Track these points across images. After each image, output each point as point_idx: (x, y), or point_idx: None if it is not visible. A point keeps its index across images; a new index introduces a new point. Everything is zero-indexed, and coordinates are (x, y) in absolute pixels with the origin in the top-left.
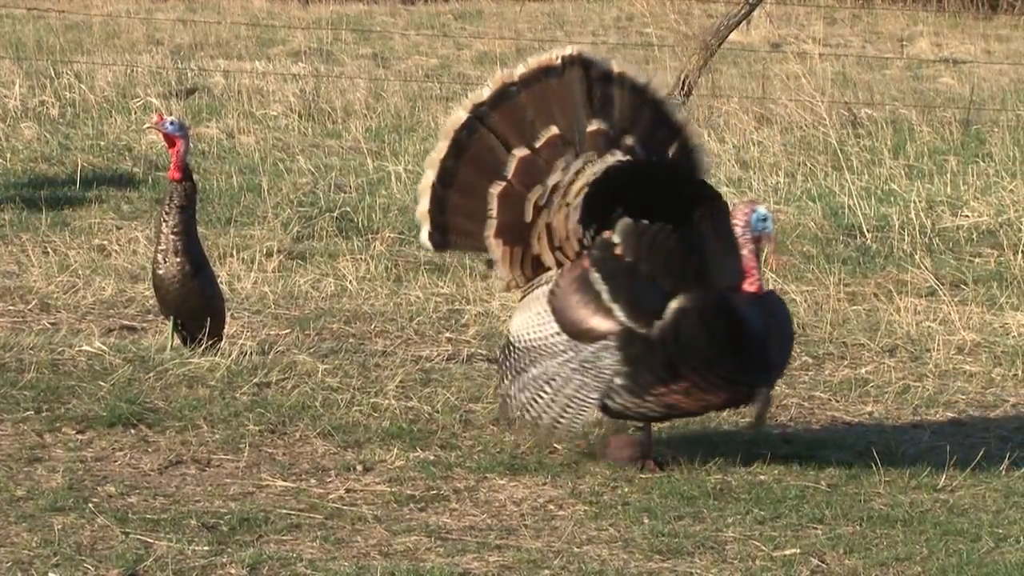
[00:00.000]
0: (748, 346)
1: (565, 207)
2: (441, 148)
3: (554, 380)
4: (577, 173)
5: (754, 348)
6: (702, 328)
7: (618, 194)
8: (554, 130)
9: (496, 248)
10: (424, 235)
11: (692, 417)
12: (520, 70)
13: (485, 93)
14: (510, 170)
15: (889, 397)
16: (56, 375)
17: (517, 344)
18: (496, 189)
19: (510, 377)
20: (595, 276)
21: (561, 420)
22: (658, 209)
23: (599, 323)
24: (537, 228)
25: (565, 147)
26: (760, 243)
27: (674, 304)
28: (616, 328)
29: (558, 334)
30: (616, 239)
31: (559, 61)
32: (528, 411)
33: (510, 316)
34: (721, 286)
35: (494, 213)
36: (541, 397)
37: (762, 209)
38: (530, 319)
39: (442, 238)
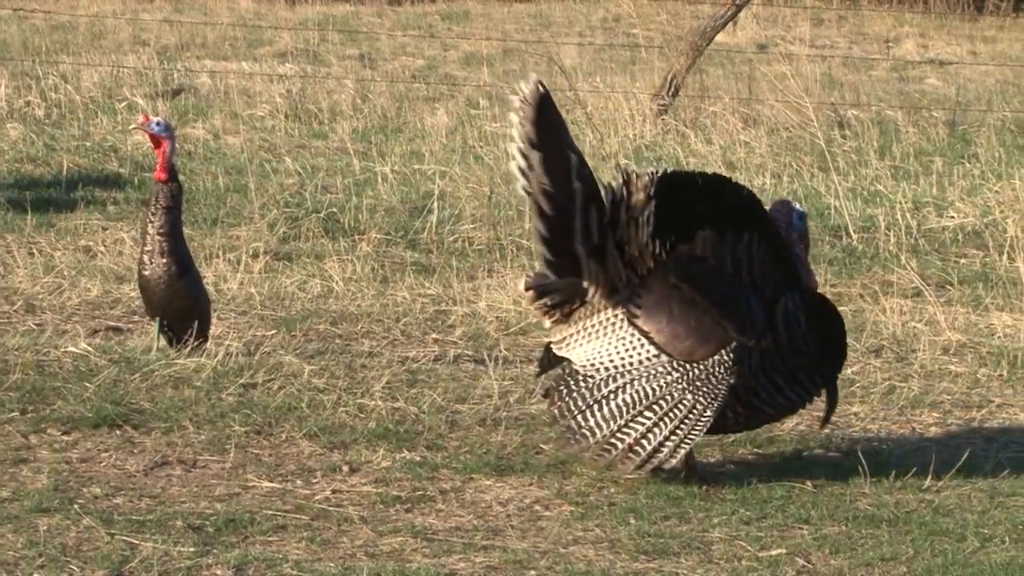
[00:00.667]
0: (844, 340)
1: (633, 222)
2: None
3: (659, 403)
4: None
5: (845, 341)
6: (811, 329)
7: (681, 205)
8: None
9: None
10: None
11: (774, 423)
12: None
13: None
14: None
15: (875, 397)
16: (41, 376)
17: (594, 373)
18: None
19: (581, 407)
20: (693, 293)
21: (668, 442)
22: (717, 216)
23: (711, 339)
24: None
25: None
26: (803, 241)
27: (780, 309)
28: (731, 342)
29: (656, 356)
30: (707, 252)
31: None
32: (620, 439)
33: (561, 348)
34: (806, 287)
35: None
36: (640, 422)
37: (799, 207)
38: (610, 345)
39: None
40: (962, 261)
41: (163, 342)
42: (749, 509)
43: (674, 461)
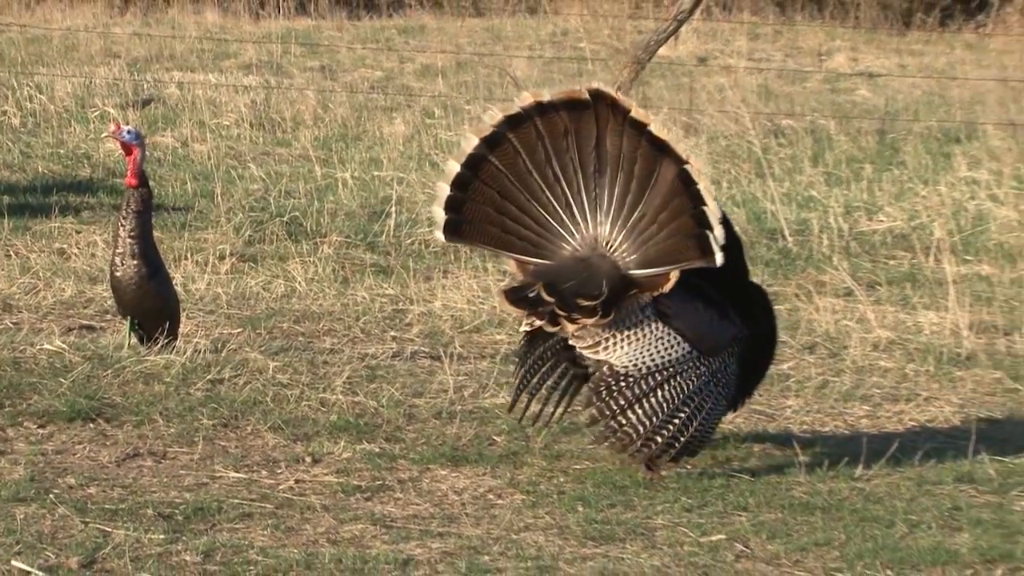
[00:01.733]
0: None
1: None
2: None
3: (693, 397)
4: None
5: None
6: (776, 320)
7: None
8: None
9: None
10: None
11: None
12: None
13: None
14: None
15: (809, 391)
16: (18, 372)
17: (634, 372)
18: None
19: (623, 405)
20: (710, 289)
21: (699, 432)
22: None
23: (726, 333)
24: None
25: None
26: None
27: (761, 303)
28: (738, 334)
29: (690, 352)
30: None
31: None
32: (662, 433)
33: (598, 352)
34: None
35: None
36: (679, 416)
37: None
38: (650, 345)
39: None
40: (891, 262)
41: (134, 340)
42: (691, 497)
43: (700, 451)
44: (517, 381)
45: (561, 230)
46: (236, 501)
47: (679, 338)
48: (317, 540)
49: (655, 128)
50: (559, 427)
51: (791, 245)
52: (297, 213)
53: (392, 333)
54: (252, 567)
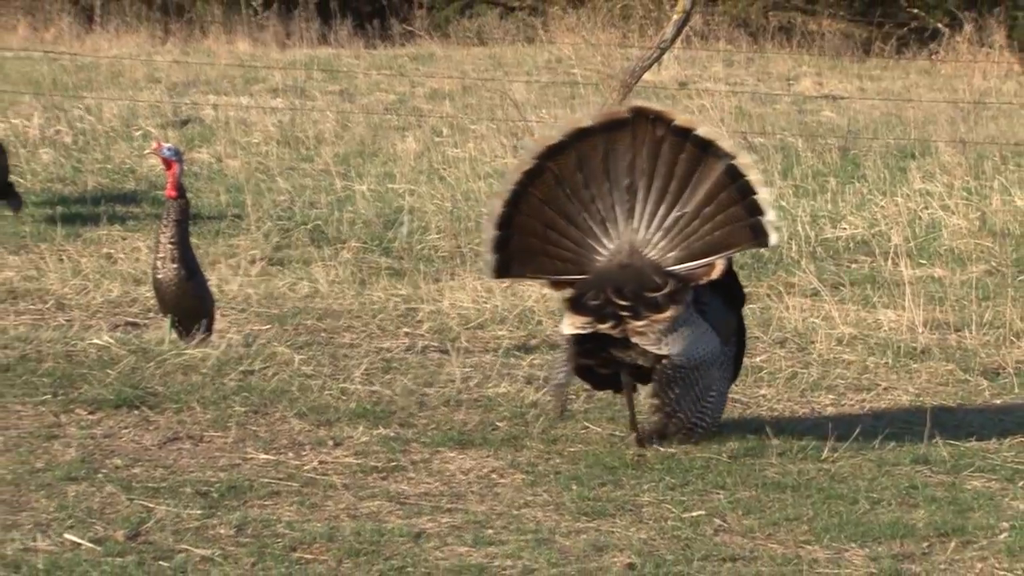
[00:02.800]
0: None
1: None
2: None
3: (717, 383)
4: None
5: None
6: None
7: None
8: None
9: None
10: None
11: None
12: None
13: None
14: None
15: (780, 382)
16: (70, 364)
17: (688, 364)
18: None
19: (679, 394)
20: (730, 280)
21: (717, 417)
22: None
23: (732, 321)
24: None
25: None
26: None
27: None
28: (739, 323)
29: (721, 343)
30: None
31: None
32: (703, 419)
33: (660, 348)
34: None
35: None
36: (710, 402)
37: None
38: (699, 338)
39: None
40: (853, 266)
41: (174, 335)
42: (674, 477)
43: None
44: (562, 380)
45: (596, 245)
46: (266, 480)
47: (712, 330)
48: (338, 515)
49: (702, 131)
50: (556, 414)
51: (763, 250)
52: (319, 221)
53: (405, 329)
54: (280, 539)
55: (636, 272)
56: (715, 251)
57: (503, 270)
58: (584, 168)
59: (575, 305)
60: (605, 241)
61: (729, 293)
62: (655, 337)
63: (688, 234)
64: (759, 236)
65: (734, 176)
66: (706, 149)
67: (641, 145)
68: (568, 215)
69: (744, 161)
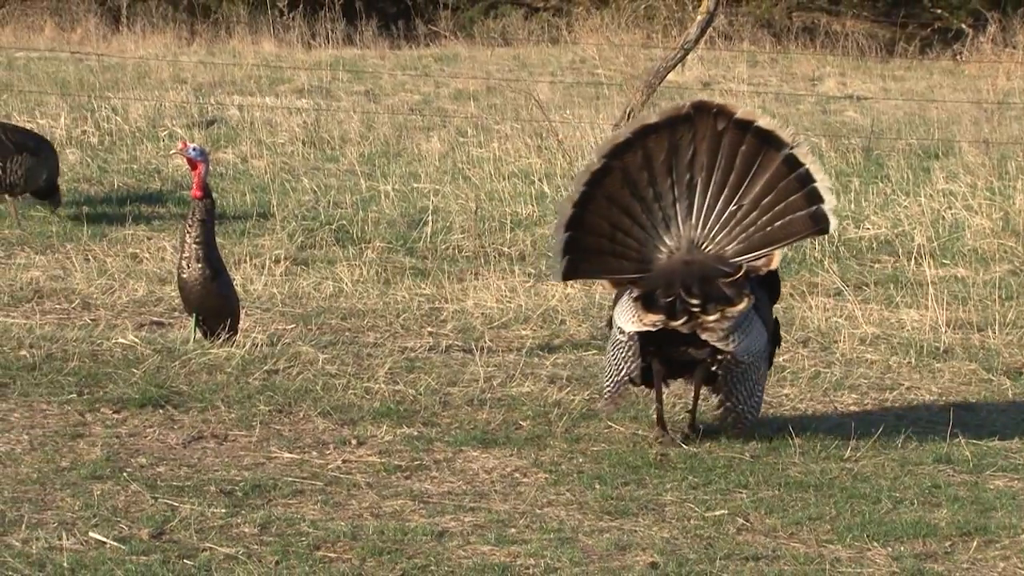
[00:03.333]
0: None
1: None
2: None
3: (763, 377)
4: None
5: None
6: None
7: None
8: None
9: None
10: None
11: None
12: None
13: None
14: None
15: (803, 381)
16: (96, 363)
17: (748, 359)
18: None
19: (739, 388)
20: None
21: (759, 410)
22: None
23: (772, 316)
24: None
25: None
26: None
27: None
28: (775, 322)
29: (767, 338)
30: None
31: None
32: (755, 412)
33: (729, 344)
34: None
35: None
36: (759, 395)
37: None
38: (757, 334)
39: None
40: (876, 266)
41: (199, 335)
42: (696, 476)
43: None
44: (623, 377)
45: (658, 242)
46: (290, 479)
47: (763, 324)
48: (362, 514)
49: (763, 122)
50: (579, 413)
51: (787, 250)
52: (344, 221)
53: (429, 329)
54: (304, 538)
55: (700, 267)
56: (775, 242)
57: (572, 272)
58: (649, 166)
59: (647, 303)
60: (666, 238)
61: (771, 287)
62: (723, 332)
63: (747, 226)
64: (819, 223)
65: (793, 165)
66: (766, 140)
67: (702, 140)
68: (633, 213)
69: (803, 150)
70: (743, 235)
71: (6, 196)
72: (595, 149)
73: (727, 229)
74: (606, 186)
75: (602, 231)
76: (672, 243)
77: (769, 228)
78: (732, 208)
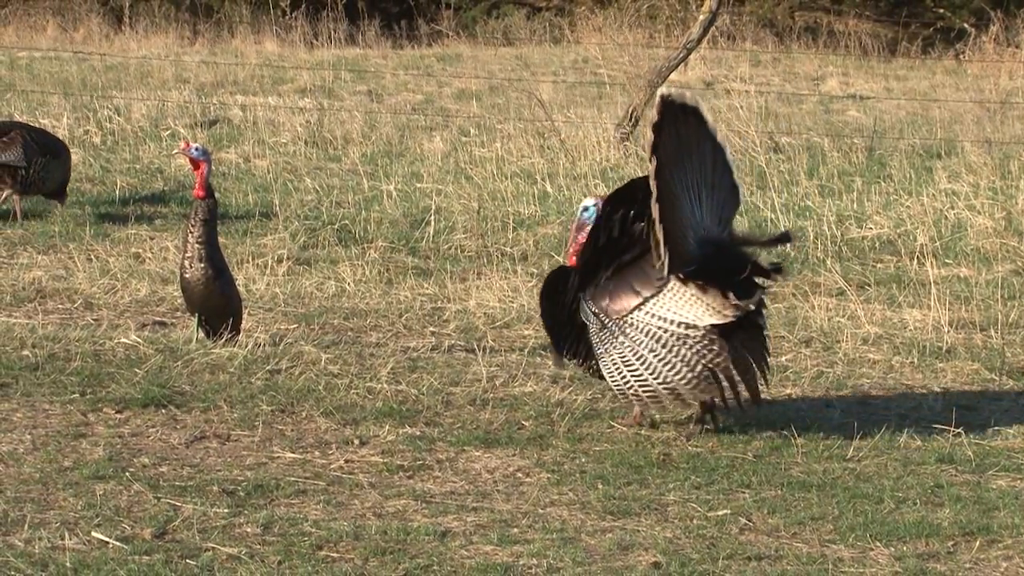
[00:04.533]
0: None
1: None
2: None
3: None
4: None
5: None
6: None
7: None
8: None
9: None
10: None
11: None
12: None
13: None
14: None
15: (805, 381)
16: (98, 363)
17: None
18: None
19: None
20: None
21: None
22: None
23: None
24: None
25: None
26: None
27: None
28: None
29: None
30: None
31: None
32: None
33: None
34: None
35: None
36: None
37: (586, 202)
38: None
39: None
40: (879, 265)
41: (201, 334)
42: (699, 476)
43: None
44: (723, 373)
45: (691, 229)
46: (292, 479)
47: None
48: (364, 514)
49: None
50: (581, 413)
51: (789, 250)
52: (347, 221)
53: (431, 328)
54: (306, 538)
55: (730, 248)
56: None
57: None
58: (684, 154)
59: (721, 290)
60: (696, 223)
61: None
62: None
63: (726, 210)
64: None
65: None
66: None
67: (702, 133)
68: (678, 205)
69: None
70: (721, 216)
71: (15, 195)
72: (646, 142)
73: (719, 212)
74: (666, 180)
75: (674, 220)
76: (703, 231)
77: (728, 207)
78: (717, 194)
